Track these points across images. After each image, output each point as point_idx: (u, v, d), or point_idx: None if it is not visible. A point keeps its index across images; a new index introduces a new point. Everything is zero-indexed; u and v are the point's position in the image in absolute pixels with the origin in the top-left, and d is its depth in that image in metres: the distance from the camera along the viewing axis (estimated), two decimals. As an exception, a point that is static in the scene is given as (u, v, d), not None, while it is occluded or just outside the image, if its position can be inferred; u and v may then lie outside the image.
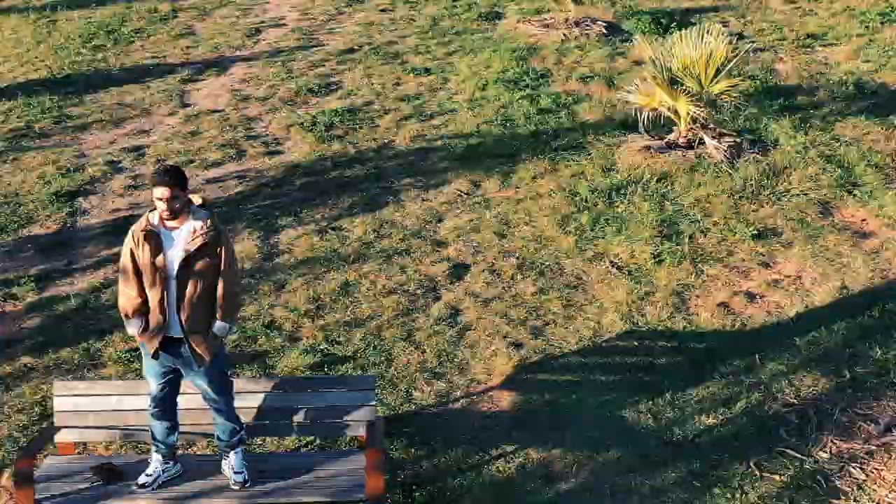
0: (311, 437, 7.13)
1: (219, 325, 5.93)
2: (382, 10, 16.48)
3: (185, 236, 5.81)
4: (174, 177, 5.71)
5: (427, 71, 13.71)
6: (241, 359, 8.01)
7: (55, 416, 6.45)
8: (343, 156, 11.39)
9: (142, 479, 6.14)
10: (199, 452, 7.00)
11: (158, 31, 15.67)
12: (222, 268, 5.87)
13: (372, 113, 12.44)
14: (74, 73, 13.95)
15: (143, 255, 5.77)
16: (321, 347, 8.17)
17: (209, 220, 5.84)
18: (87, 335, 8.38)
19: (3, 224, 10.09)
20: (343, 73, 13.75)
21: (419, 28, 15.51)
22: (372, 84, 13.32)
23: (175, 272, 5.80)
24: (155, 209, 5.86)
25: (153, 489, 6.13)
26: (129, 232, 5.85)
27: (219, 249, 5.84)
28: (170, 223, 5.83)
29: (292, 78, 13.58)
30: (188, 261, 5.78)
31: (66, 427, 6.41)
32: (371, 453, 6.07)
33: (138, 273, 5.83)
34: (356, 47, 14.70)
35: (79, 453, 6.91)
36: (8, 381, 7.85)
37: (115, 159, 11.41)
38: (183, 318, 5.83)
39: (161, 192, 5.69)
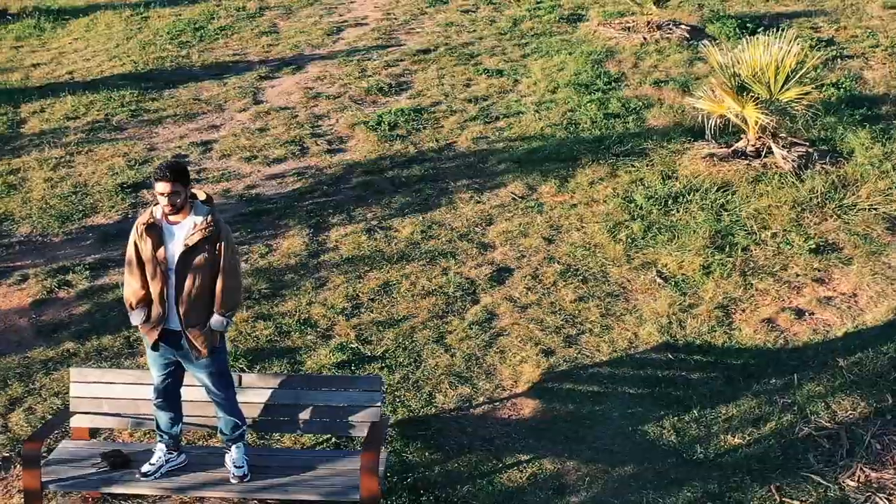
0: (328, 436, 7.16)
1: (215, 319, 5.99)
2: (464, 11, 16.46)
3: (185, 231, 5.90)
4: (175, 172, 5.80)
5: (499, 73, 13.62)
6: (272, 354, 8.10)
7: (70, 401, 6.63)
8: (403, 155, 11.40)
9: (145, 467, 6.25)
10: (215, 445, 7.09)
11: (243, 29, 15.99)
12: (221, 263, 5.93)
13: (438, 113, 12.41)
14: (157, 68, 14.34)
15: (146, 247, 5.89)
16: (352, 346, 8.18)
17: (210, 216, 5.92)
18: (129, 324, 8.56)
19: (69, 212, 10.43)
20: (416, 73, 13.77)
21: (498, 29, 15.42)
22: (442, 84, 13.30)
23: (175, 266, 5.89)
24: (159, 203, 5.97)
25: (155, 478, 6.23)
26: (134, 225, 5.98)
27: (218, 245, 5.91)
28: (172, 217, 5.93)
29: (365, 77, 13.67)
30: (187, 255, 5.87)
31: (79, 413, 6.57)
32: (367, 455, 6.03)
33: (141, 265, 5.95)
34: (432, 47, 14.71)
35: (104, 438, 7.10)
36: (49, 364, 8.11)
37: (183, 153, 11.68)
38: (181, 311, 5.92)
39: (162, 187, 5.79)
